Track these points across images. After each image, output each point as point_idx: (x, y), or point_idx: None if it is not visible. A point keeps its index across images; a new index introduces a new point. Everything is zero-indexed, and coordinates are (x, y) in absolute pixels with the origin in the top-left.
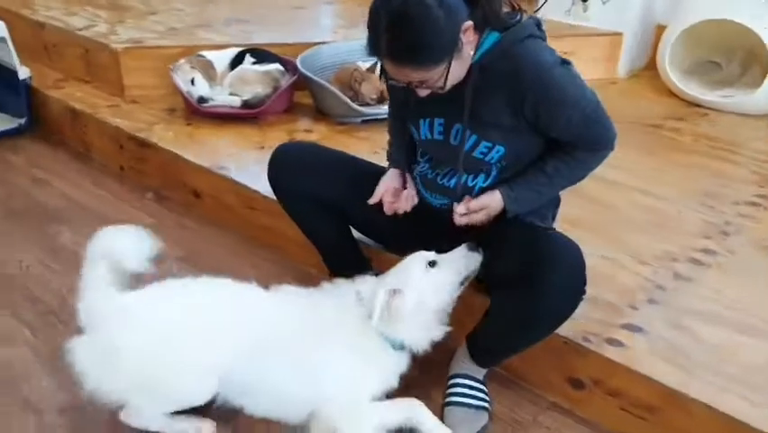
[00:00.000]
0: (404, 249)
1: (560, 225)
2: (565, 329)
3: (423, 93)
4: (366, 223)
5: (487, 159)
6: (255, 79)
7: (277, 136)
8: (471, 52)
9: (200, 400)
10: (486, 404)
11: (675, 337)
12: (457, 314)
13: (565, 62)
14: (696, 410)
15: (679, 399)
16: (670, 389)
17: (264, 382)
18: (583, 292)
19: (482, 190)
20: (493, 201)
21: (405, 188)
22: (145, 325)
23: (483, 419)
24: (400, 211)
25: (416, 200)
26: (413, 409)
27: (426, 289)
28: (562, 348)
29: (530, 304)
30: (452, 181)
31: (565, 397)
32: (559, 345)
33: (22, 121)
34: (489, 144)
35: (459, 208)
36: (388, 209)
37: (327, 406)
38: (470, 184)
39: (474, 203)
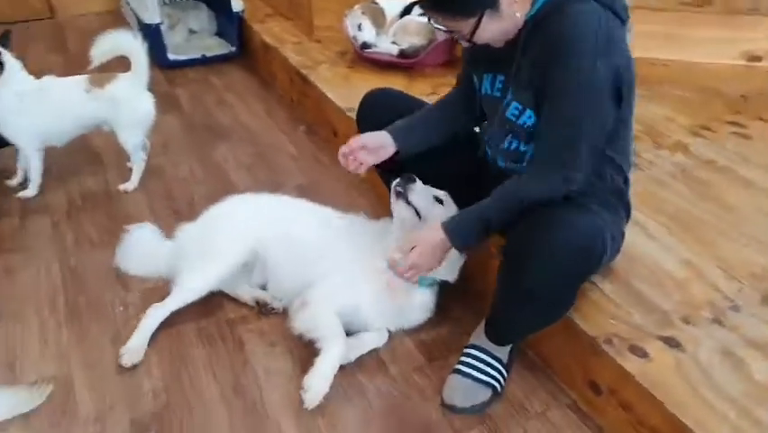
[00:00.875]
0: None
1: (651, 216)
2: (594, 326)
3: (464, 44)
4: (436, 177)
5: (519, 122)
6: (415, 30)
7: (420, 88)
8: (518, 13)
9: (234, 259)
10: (493, 381)
11: (715, 365)
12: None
13: (606, 51)
14: None
15: None
16: (680, 422)
17: (283, 265)
18: (581, 274)
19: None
20: (423, 233)
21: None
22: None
23: (484, 394)
24: (350, 168)
25: (361, 170)
26: (335, 341)
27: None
28: (584, 345)
29: (518, 279)
30: (504, 143)
31: (584, 399)
32: (583, 341)
33: (233, 48)
34: (519, 106)
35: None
36: (345, 162)
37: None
38: (512, 147)
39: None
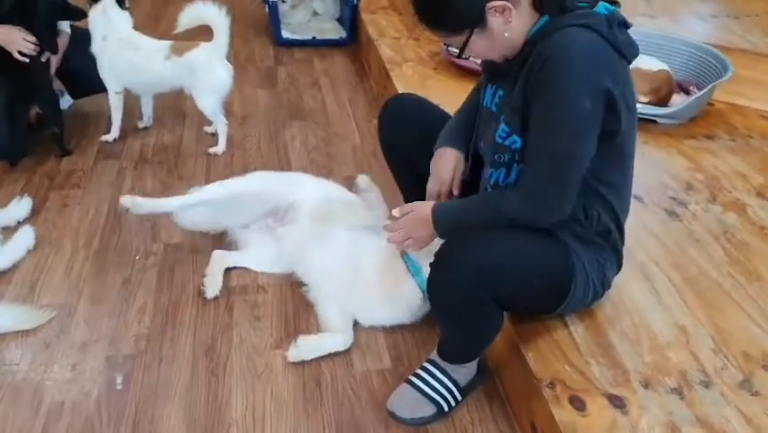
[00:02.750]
0: None
1: (666, 272)
2: (543, 367)
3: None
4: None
5: (506, 143)
6: None
7: None
8: (507, 33)
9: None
10: (440, 400)
11: None
12: None
13: (596, 80)
14: None
15: None
16: None
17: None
18: (498, 299)
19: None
20: (419, 203)
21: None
22: None
23: (427, 410)
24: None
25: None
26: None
27: None
28: (530, 385)
29: (430, 291)
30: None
31: None
32: (529, 380)
33: (344, 35)
34: (507, 129)
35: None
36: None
37: None
38: (494, 179)
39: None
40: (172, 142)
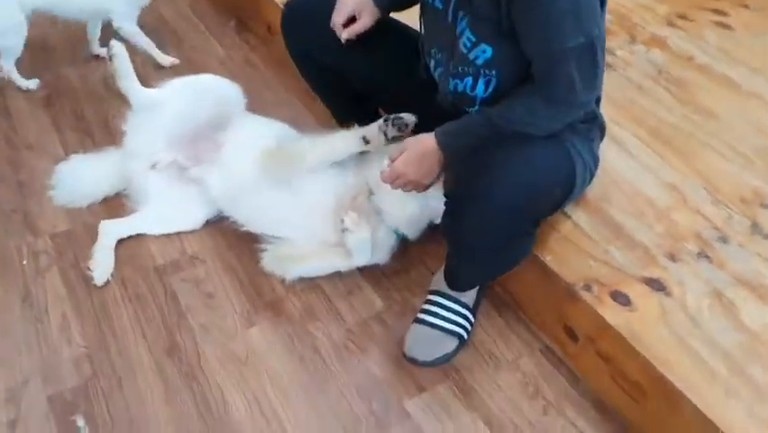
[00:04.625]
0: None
1: (629, 128)
2: (570, 270)
3: None
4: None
5: (470, 56)
6: None
7: None
8: None
9: None
10: (459, 329)
11: (704, 311)
12: None
13: None
14: (690, 419)
15: (673, 395)
16: (664, 379)
17: None
18: (534, 218)
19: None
20: (412, 140)
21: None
22: None
23: (449, 345)
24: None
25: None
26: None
27: None
28: (560, 291)
29: (456, 228)
30: (440, 73)
31: (558, 343)
32: (557, 285)
33: None
34: (474, 38)
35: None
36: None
37: None
38: (459, 88)
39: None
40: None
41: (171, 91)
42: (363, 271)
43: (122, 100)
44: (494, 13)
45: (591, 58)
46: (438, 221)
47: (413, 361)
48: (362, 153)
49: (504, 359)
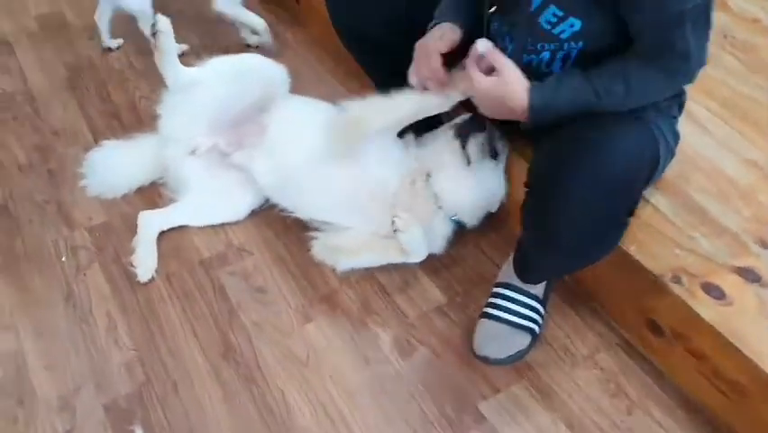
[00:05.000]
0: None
1: (701, 101)
2: (656, 259)
3: None
4: None
5: (554, 31)
6: None
7: None
8: None
9: None
10: (531, 324)
11: None
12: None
13: None
14: None
15: None
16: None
17: None
18: (627, 208)
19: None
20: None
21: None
22: None
23: (522, 341)
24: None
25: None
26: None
27: None
28: (644, 281)
29: (543, 220)
30: (512, 50)
31: (639, 338)
32: (642, 276)
33: None
34: (561, 12)
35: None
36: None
37: None
38: (533, 63)
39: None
40: None
41: (212, 71)
42: (421, 266)
43: (147, 80)
44: None
45: (706, 17)
46: (495, 208)
47: (484, 359)
48: (421, 137)
49: (580, 355)
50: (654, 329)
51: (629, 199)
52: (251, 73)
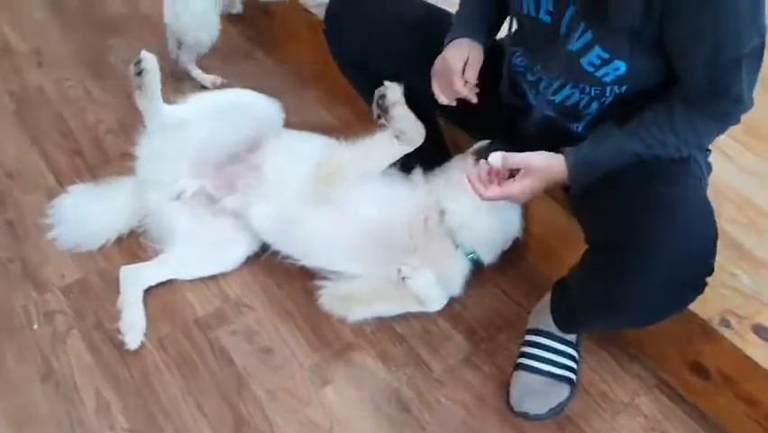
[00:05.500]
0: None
1: None
2: (701, 302)
3: None
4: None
5: (598, 74)
6: None
7: None
8: None
9: None
10: (569, 373)
11: None
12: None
13: None
14: None
15: None
16: None
17: None
18: (700, 286)
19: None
20: (541, 162)
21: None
22: None
23: (562, 393)
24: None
25: (471, 90)
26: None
27: None
28: (688, 323)
29: (614, 288)
30: (550, 89)
31: (681, 380)
32: (688, 320)
33: None
34: (607, 55)
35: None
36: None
37: None
38: (570, 101)
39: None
40: None
41: (196, 109)
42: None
43: (109, 109)
44: (638, 24)
45: (758, 59)
46: (509, 244)
47: (524, 415)
48: (430, 171)
49: (620, 401)
50: (699, 372)
51: (710, 256)
52: (239, 109)
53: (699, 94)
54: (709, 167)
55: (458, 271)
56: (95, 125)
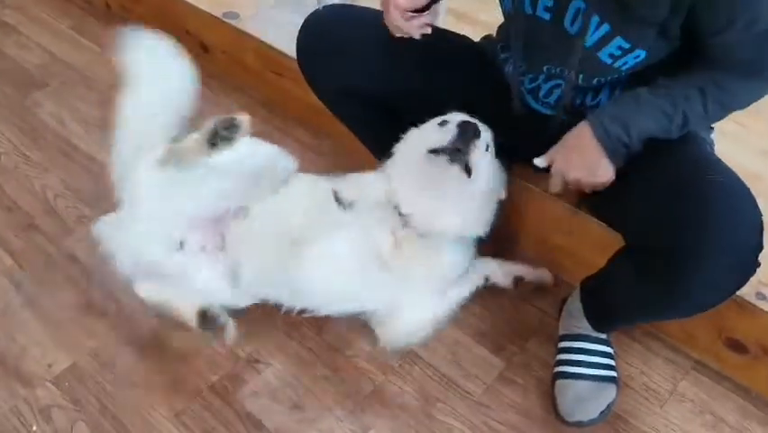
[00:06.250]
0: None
1: None
2: None
3: None
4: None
5: (617, 64)
6: None
7: None
8: None
9: None
10: (612, 372)
11: None
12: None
13: None
14: None
15: None
16: None
17: None
18: (749, 274)
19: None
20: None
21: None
22: None
23: (610, 393)
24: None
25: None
26: None
27: None
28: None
29: (671, 290)
30: (556, 92)
31: (715, 357)
32: None
33: None
34: (628, 44)
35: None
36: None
37: None
38: (585, 102)
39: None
40: None
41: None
42: (455, 322)
43: (52, 172)
44: (662, 12)
45: None
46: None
47: (578, 424)
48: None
49: (663, 389)
50: (736, 347)
51: (760, 234)
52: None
53: (742, 65)
54: (712, 143)
55: (455, 264)
56: (41, 191)
